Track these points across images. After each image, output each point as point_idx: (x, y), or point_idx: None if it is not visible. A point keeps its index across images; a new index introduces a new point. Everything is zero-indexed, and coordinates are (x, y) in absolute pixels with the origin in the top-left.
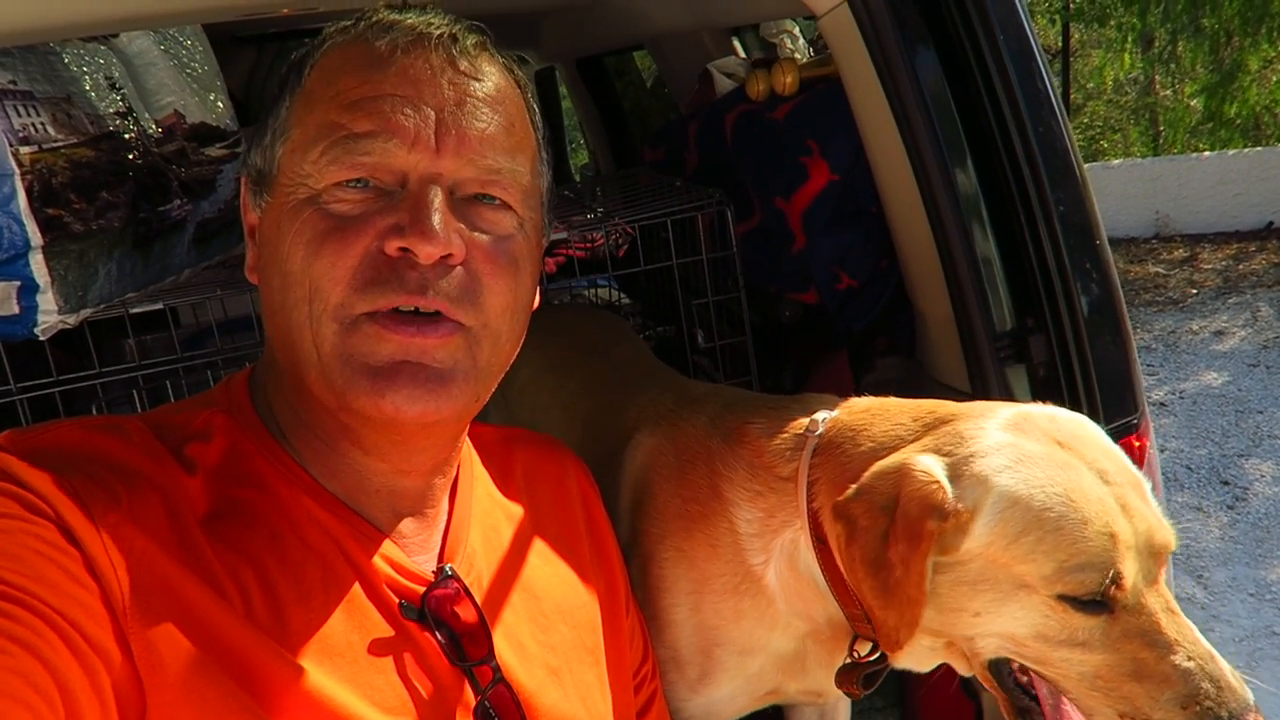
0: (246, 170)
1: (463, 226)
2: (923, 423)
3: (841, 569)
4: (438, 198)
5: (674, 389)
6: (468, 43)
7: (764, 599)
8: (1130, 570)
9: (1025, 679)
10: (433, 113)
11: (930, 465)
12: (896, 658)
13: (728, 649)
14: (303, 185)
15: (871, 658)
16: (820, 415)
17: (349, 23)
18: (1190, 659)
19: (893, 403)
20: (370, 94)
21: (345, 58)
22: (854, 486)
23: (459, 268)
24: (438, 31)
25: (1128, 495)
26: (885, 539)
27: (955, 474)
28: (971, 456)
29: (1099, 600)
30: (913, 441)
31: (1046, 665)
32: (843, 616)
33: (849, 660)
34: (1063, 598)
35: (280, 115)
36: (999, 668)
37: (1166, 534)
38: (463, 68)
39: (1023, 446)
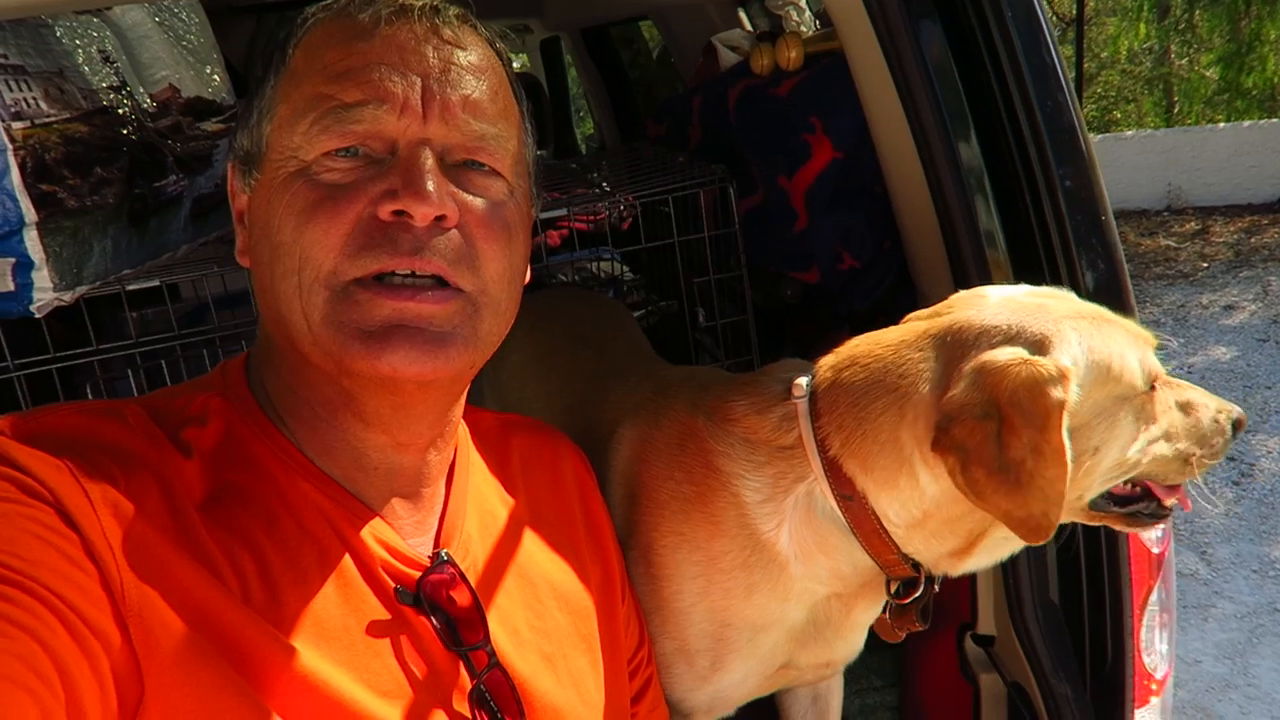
0: (234, 154)
1: (455, 190)
2: (928, 341)
3: (965, 494)
4: (429, 160)
5: (652, 377)
6: (450, 13)
7: (775, 567)
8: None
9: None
10: (419, 79)
11: (1013, 352)
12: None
13: (739, 628)
14: (293, 158)
15: (915, 594)
16: (802, 380)
17: (330, 1)
18: (1194, 388)
19: (867, 340)
20: (357, 64)
21: (329, 33)
22: (940, 415)
23: (454, 231)
24: (419, 3)
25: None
26: (999, 441)
27: (1036, 347)
28: (1028, 327)
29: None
30: (939, 359)
31: (1142, 464)
32: (871, 564)
33: (896, 603)
34: (1151, 386)
35: (266, 95)
36: (1099, 505)
37: None
38: (446, 36)
39: (1045, 305)
